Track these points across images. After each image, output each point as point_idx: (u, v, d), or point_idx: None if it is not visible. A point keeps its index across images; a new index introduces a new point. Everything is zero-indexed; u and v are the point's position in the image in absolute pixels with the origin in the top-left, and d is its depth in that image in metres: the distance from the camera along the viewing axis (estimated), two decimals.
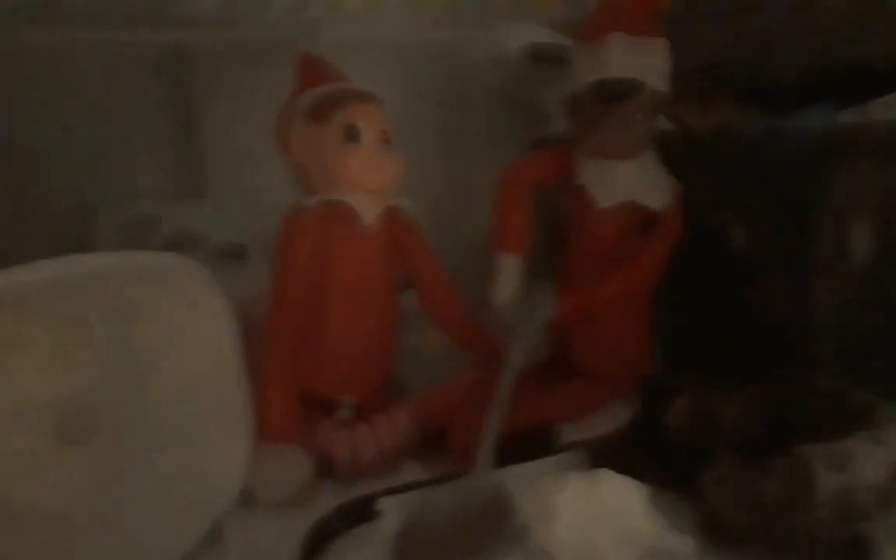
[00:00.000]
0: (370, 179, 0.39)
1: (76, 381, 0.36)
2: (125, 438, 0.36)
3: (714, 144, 0.47)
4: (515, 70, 0.55)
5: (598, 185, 0.44)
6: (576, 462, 0.37)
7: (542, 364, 0.47)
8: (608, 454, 0.35)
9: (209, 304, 0.36)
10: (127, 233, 0.48)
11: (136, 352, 0.36)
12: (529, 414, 0.42)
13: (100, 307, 0.34)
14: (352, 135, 0.38)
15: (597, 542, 0.28)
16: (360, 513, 0.33)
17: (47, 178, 0.48)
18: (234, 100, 0.52)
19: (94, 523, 0.33)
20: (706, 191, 0.45)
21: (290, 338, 0.38)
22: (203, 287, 0.36)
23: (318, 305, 0.39)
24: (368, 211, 0.39)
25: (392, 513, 0.33)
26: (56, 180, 0.49)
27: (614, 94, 0.42)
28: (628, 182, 0.44)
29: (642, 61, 0.42)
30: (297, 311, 0.38)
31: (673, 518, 0.30)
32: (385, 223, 0.40)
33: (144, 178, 0.51)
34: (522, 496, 0.31)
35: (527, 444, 0.39)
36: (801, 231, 0.41)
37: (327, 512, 0.32)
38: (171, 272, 0.35)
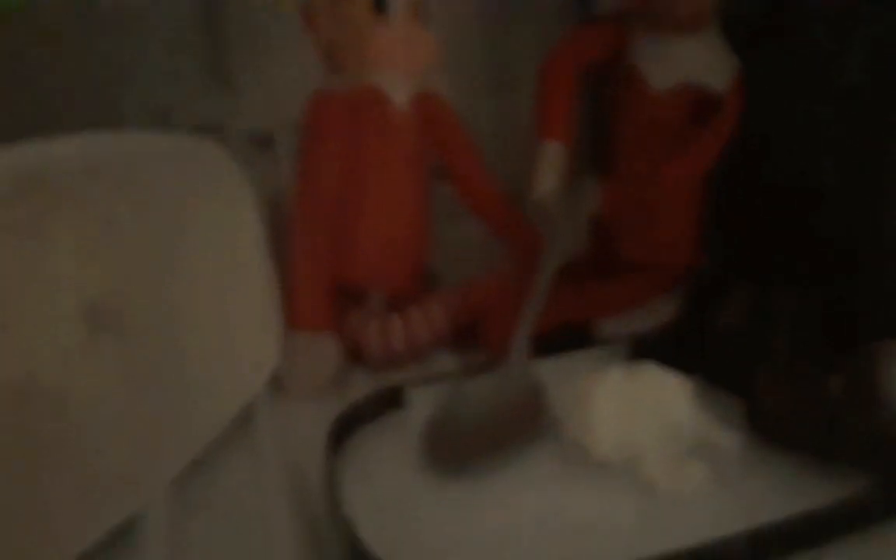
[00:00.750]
0: (400, 56, 0.36)
1: (105, 269, 0.36)
2: (154, 325, 0.35)
3: (790, 14, 0.42)
4: None
5: (652, 64, 0.40)
6: (617, 356, 0.35)
7: (584, 258, 0.45)
8: (652, 348, 0.33)
9: (235, 189, 0.35)
10: (152, 123, 0.47)
11: (163, 238, 0.35)
12: (569, 309, 0.40)
13: (128, 194, 0.33)
14: (381, 6, 0.35)
15: (636, 436, 0.27)
16: (388, 401, 0.32)
17: (73, 70, 0.47)
18: None
19: (125, 410, 0.33)
20: (775, 70, 0.41)
21: (319, 225, 0.36)
22: (229, 171, 0.34)
23: (347, 192, 0.37)
24: (400, 93, 0.36)
25: (421, 402, 0.32)
26: (81, 71, 0.47)
27: None
28: (687, 60, 0.40)
29: None
30: (325, 198, 0.36)
31: (720, 415, 0.29)
32: (418, 107, 0.37)
33: (169, 68, 0.49)
34: (558, 388, 0.30)
35: (565, 339, 0.38)
36: (875, 138, 0.37)
37: (356, 399, 0.31)
38: (198, 156, 0.34)
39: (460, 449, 0.28)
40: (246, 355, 0.36)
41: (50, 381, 0.33)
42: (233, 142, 0.45)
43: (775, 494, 0.26)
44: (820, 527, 0.25)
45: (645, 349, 0.33)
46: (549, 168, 0.41)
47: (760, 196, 0.41)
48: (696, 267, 0.41)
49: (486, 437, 0.29)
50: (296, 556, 0.25)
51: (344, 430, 0.30)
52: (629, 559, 0.23)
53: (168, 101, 0.47)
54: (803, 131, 0.39)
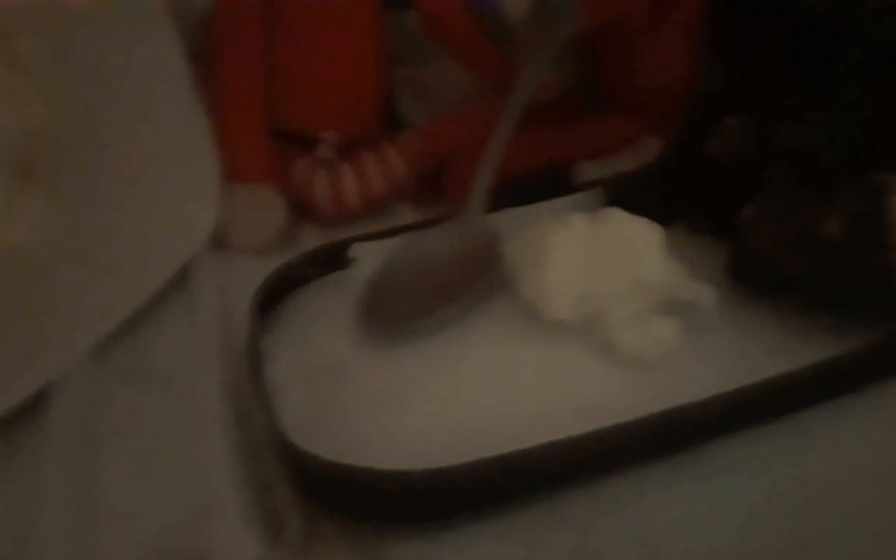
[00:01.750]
0: None
1: (23, 114, 0.32)
2: (85, 174, 0.32)
3: None
4: None
5: None
6: (595, 203, 0.31)
7: (567, 94, 0.40)
8: (631, 190, 0.29)
9: (161, 28, 0.31)
10: None
11: (86, 86, 0.31)
12: (547, 150, 0.35)
13: (48, 38, 0.29)
14: None
15: (598, 292, 0.23)
16: (329, 259, 0.28)
17: None
18: None
19: (61, 258, 0.31)
20: None
21: (249, 60, 0.31)
22: (154, 8, 0.30)
23: (279, 18, 0.32)
24: None
25: (369, 259, 0.28)
26: None
27: None
28: None
29: None
30: (252, 26, 0.31)
31: (701, 265, 0.25)
32: None
33: None
34: (514, 241, 0.26)
35: (540, 185, 0.34)
36: None
37: (293, 257, 0.28)
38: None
39: (400, 309, 0.25)
40: (182, 210, 0.33)
41: None
42: None
43: (756, 356, 0.23)
44: (807, 389, 0.22)
45: (623, 192, 0.29)
46: None
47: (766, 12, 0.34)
48: (690, 98, 0.36)
49: (430, 295, 0.25)
50: (221, 431, 0.23)
51: (276, 291, 0.27)
52: (587, 429, 0.20)
53: None
54: None
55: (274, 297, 0.27)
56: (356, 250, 0.29)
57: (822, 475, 0.21)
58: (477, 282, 0.26)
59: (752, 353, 0.23)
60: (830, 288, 0.22)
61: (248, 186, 0.32)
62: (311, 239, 0.32)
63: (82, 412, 0.24)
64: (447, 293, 0.25)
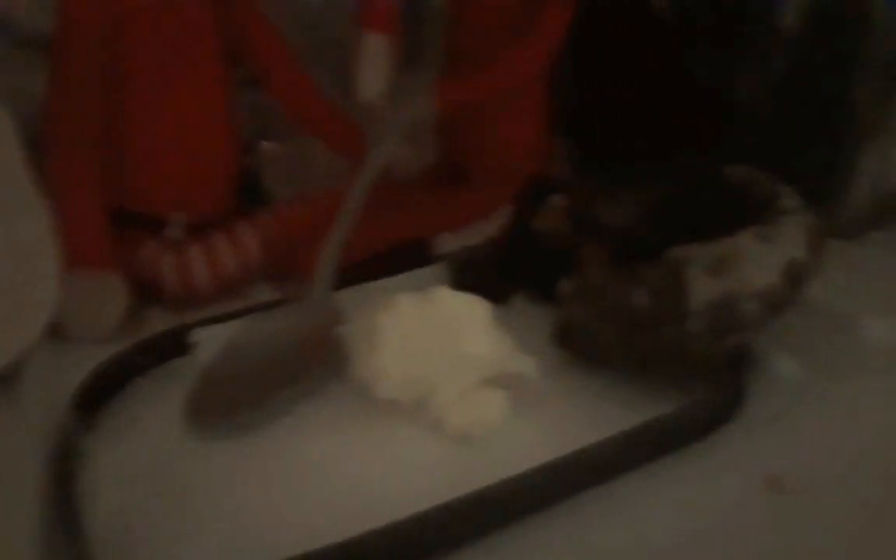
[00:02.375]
0: None
1: None
2: None
3: None
4: None
5: None
6: (440, 277, 0.32)
7: (428, 171, 0.41)
8: (470, 265, 0.30)
9: None
10: None
11: None
12: (407, 225, 0.36)
13: None
14: None
15: (427, 370, 0.24)
16: (169, 346, 0.28)
17: None
18: None
19: None
20: None
21: (83, 139, 0.31)
22: None
23: (117, 94, 0.31)
24: None
25: (211, 345, 0.28)
26: None
27: None
28: None
29: None
30: (88, 103, 0.30)
31: (530, 337, 0.26)
32: None
33: None
34: (349, 323, 0.26)
35: (397, 258, 0.34)
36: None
37: (126, 346, 0.27)
38: None
39: (233, 399, 0.24)
40: (16, 297, 0.31)
41: None
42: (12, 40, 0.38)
43: (579, 422, 0.24)
44: (626, 451, 0.23)
45: (463, 266, 0.30)
46: (374, 62, 0.36)
47: (599, 85, 0.37)
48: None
49: (268, 381, 0.25)
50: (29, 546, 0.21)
51: (103, 385, 0.25)
52: (418, 508, 0.20)
53: None
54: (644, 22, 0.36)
55: (102, 391, 0.25)
56: (197, 335, 0.28)
57: (637, 539, 0.21)
58: (316, 364, 0.26)
59: (577, 422, 0.24)
60: (639, 356, 0.24)
61: (87, 272, 0.31)
62: (161, 323, 0.31)
63: None
64: (285, 378, 0.25)
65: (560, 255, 0.27)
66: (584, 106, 0.40)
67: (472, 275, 0.28)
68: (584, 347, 0.25)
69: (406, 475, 0.22)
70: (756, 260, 0.24)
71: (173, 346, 0.28)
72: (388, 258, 0.34)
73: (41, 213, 0.31)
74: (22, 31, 0.39)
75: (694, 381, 0.24)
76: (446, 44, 0.39)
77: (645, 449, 0.23)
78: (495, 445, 0.23)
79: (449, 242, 0.36)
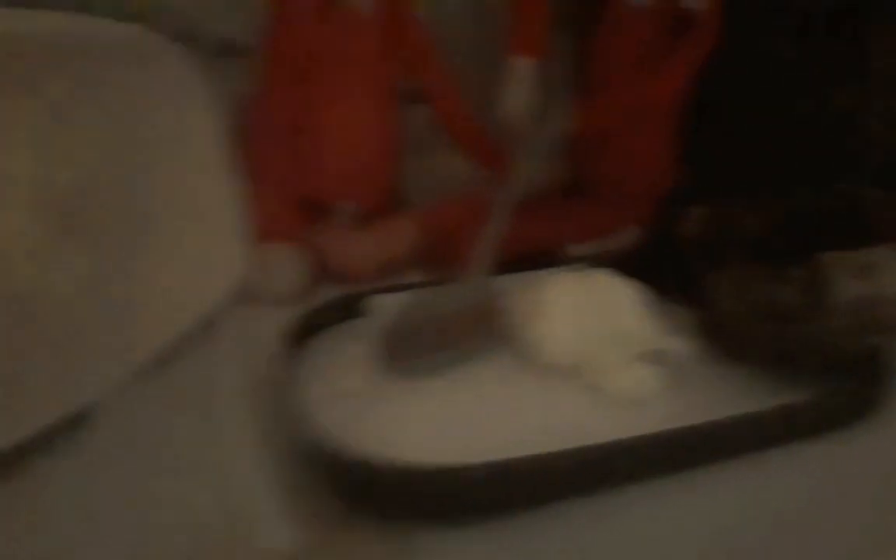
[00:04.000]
0: None
1: (63, 168, 0.36)
2: (122, 226, 0.35)
3: None
4: None
5: None
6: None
7: (559, 184, 0.45)
8: (614, 264, 0.33)
9: (195, 91, 0.34)
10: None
11: (123, 138, 0.35)
12: (541, 234, 0.40)
13: (88, 90, 0.33)
14: None
15: (588, 339, 0.27)
16: (347, 308, 0.32)
17: None
18: None
19: (93, 306, 0.33)
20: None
21: (282, 134, 0.36)
22: (187, 71, 0.34)
23: (310, 101, 0.36)
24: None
25: (381, 311, 0.32)
26: None
27: None
28: None
29: None
30: (288, 106, 0.36)
31: (675, 325, 0.29)
32: (384, 13, 0.36)
33: None
34: (512, 296, 0.30)
35: (532, 259, 0.38)
36: (856, 39, 0.36)
37: (315, 304, 0.31)
38: (156, 54, 0.33)
39: (414, 349, 0.28)
40: (210, 261, 0.36)
41: (21, 274, 0.33)
42: (203, 47, 0.44)
43: (724, 401, 0.26)
44: (764, 430, 0.25)
45: (607, 265, 0.33)
46: (519, 85, 0.40)
47: (729, 115, 0.40)
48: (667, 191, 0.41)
49: (440, 340, 0.29)
50: (252, 446, 0.25)
51: (301, 332, 0.30)
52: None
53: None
54: (772, 58, 0.38)
55: (297, 338, 0.30)
56: (369, 302, 0.32)
57: (766, 511, 0.24)
58: (479, 332, 0.29)
59: (720, 401, 0.26)
60: (783, 349, 0.26)
61: (274, 245, 0.36)
62: (329, 296, 0.36)
63: (124, 431, 0.26)
64: (454, 341, 0.29)
65: (702, 259, 0.30)
66: (711, 136, 0.43)
67: (614, 269, 0.31)
68: (729, 340, 0.27)
69: (565, 426, 0.25)
70: (893, 270, 0.26)
71: (352, 308, 0.32)
72: (523, 259, 0.38)
73: (233, 186, 0.37)
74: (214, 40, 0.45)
75: (833, 376, 0.26)
76: (586, 69, 0.43)
77: (781, 429, 0.25)
78: (647, 412, 0.26)
79: (579, 250, 0.40)
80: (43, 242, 0.36)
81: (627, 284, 0.28)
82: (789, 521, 0.23)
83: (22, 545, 0.22)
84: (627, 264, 0.33)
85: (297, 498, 0.23)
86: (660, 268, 0.31)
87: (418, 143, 0.46)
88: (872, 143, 0.36)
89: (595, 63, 0.42)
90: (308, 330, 0.30)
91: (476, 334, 0.29)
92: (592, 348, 0.27)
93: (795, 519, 0.23)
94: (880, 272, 0.26)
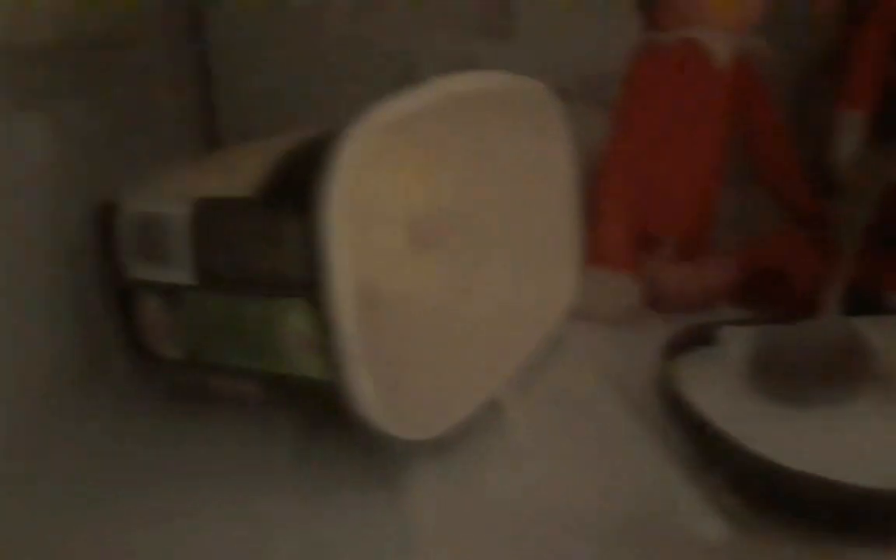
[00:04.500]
0: (726, 14, 0.37)
1: (434, 194, 0.41)
2: (472, 245, 0.40)
3: None
4: None
5: None
6: None
7: (873, 226, 0.45)
8: None
9: (556, 130, 0.38)
10: (447, 72, 0.52)
11: (485, 169, 0.40)
12: (859, 275, 0.40)
13: (459, 130, 0.38)
14: None
15: None
16: (704, 335, 0.35)
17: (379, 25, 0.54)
18: None
19: (449, 314, 0.39)
20: None
21: (631, 169, 0.40)
22: (552, 113, 0.38)
23: (657, 142, 0.40)
24: (722, 50, 0.38)
25: (733, 342, 0.34)
26: (384, 26, 0.55)
27: None
28: None
29: None
30: (639, 144, 0.39)
31: None
32: (736, 65, 0.39)
33: (459, 18, 0.55)
34: (881, 342, 0.31)
35: (858, 302, 0.38)
36: None
37: (680, 327, 0.34)
38: (524, 96, 0.38)
39: (792, 383, 0.30)
40: (551, 283, 0.40)
41: (385, 286, 0.39)
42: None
43: None
44: None
45: None
46: (850, 135, 0.41)
47: None
48: None
49: (813, 377, 0.31)
50: (648, 443, 0.29)
51: (670, 350, 0.33)
52: None
53: (463, 51, 0.52)
54: None
55: (667, 357, 0.33)
56: (723, 332, 0.35)
57: None
58: (848, 373, 0.31)
59: None
60: None
61: (610, 271, 0.39)
62: (654, 325, 0.39)
63: (525, 431, 0.31)
64: (825, 378, 0.31)
65: None
66: None
67: None
68: None
69: None
70: None
71: (707, 336, 0.35)
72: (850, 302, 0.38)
73: (577, 218, 0.41)
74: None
75: None
76: None
77: None
78: None
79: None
80: (398, 255, 0.42)
81: None
82: None
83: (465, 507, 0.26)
84: None
85: (713, 497, 0.25)
86: None
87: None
88: None
89: None
90: (672, 350, 0.33)
91: (845, 375, 0.31)
92: None
93: None
94: None
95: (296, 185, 0.25)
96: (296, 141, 0.29)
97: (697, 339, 0.35)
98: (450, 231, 0.41)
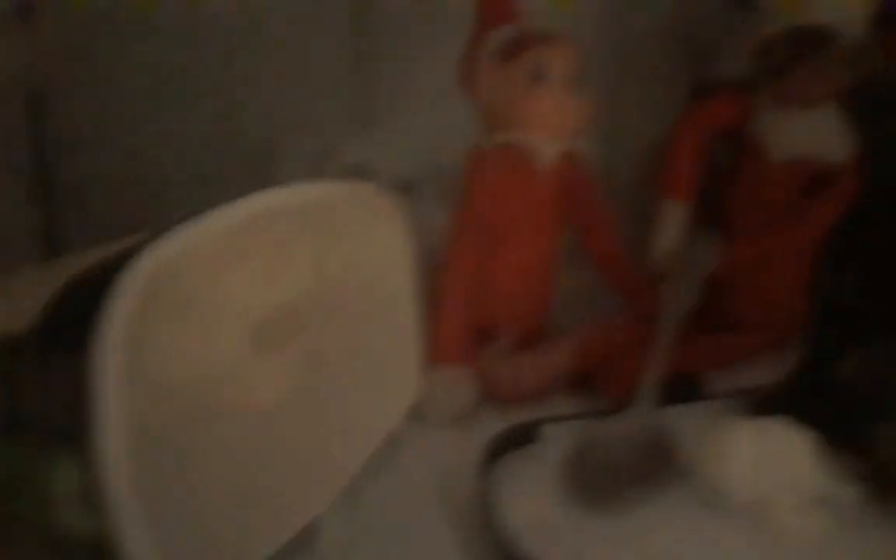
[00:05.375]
0: (554, 120, 0.39)
1: (277, 296, 0.41)
2: (314, 348, 0.40)
3: None
4: (686, 8, 0.54)
5: (774, 136, 0.43)
6: (733, 409, 0.37)
7: (697, 313, 0.47)
8: (771, 404, 0.35)
9: (395, 231, 0.39)
10: (308, 164, 0.52)
11: (330, 271, 0.40)
12: (682, 361, 0.43)
13: (305, 235, 0.38)
14: (539, 74, 0.39)
15: (765, 487, 0.29)
16: (526, 435, 0.35)
17: (241, 117, 0.54)
18: (408, 36, 0.54)
19: (288, 423, 0.38)
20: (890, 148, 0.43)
21: (469, 268, 0.41)
22: (391, 214, 0.38)
23: (493, 241, 0.41)
24: (548, 153, 0.40)
25: (554, 439, 0.35)
26: (247, 119, 0.54)
27: (810, 41, 0.40)
28: (807, 133, 0.42)
29: (842, 8, 0.40)
30: (475, 244, 0.41)
31: (838, 469, 0.31)
32: (563, 166, 0.41)
33: (323, 112, 0.55)
34: (689, 436, 0.33)
35: (679, 390, 0.40)
36: None
37: (501, 429, 0.35)
38: (366, 199, 0.38)
39: (603, 483, 0.31)
40: (392, 384, 0.40)
41: (220, 389, 0.38)
42: (379, 185, 0.50)
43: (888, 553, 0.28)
44: None
45: (763, 405, 0.36)
46: (672, 225, 0.44)
47: (876, 256, 0.42)
48: (808, 327, 0.43)
49: (624, 474, 0.32)
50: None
51: (490, 456, 0.33)
52: None
53: (324, 145, 0.53)
54: None
55: (486, 462, 0.33)
56: (542, 430, 0.36)
57: None
58: (658, 469, 0.32)
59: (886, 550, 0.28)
60: None
61: (449, 367, 0.40)
62: (490, 418, 0.39)
63: (344, 540, 0.30)
64: (635, 475, 0.32)
65: (864, 404, 0.32)
66: (845, 279, 0.45)
67: (772, 412, 0.34)
68: None
69: None
70: None
71: (529, 435, 0.36)
72: (669, 389, 0.40)
73: (417, 315, 0.41)
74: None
75: None
76: (729, 211, 0.46)
77: None
78: (821, 555, 0.28)
79: (718, 381, 0.42)
80: (239, 361, 0.41)
81: (798, 432, 0.30)
82: None
83: None
84: (782, 406, 0.35)
85: None
86: (819, 412, 0.34)
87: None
88: None
89: (738, 209, 0.46)
90: (493, 455, 0.34)
91: (654, 471, 0.32)
92: (772, 491, 0.29)
93: None
94: None
95: (71, 322, 0.24)
96: (89, 264, 0.28)
97: (519, 440, 0.35)
98: (291, 334, 0.40)
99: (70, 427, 0.23)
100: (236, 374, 0.38)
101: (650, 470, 0.32)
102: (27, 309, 0.26)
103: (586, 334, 0.43)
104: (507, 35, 0.40)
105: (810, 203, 0.43)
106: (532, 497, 0.32)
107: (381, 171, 0.51)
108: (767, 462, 0.30)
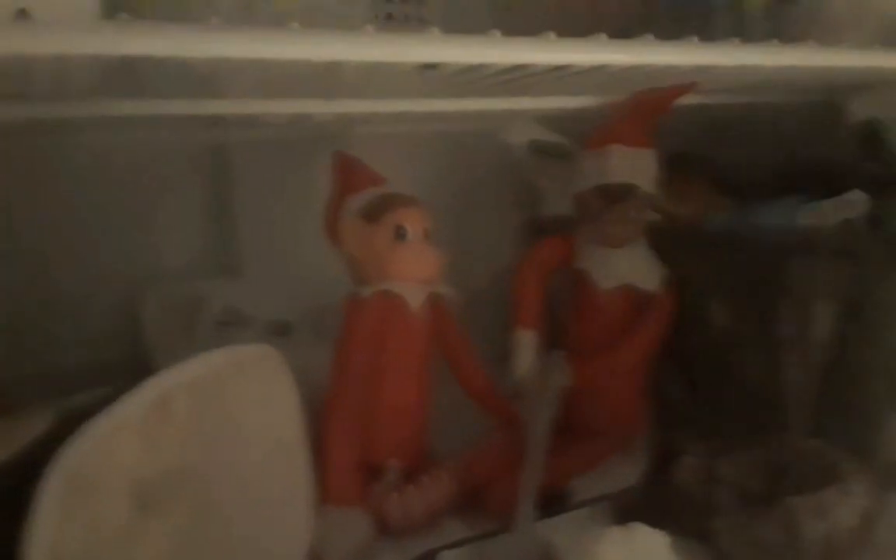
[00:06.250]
0: (417, 272, 0.45)
1: (159, 457, 0.40)
2: (201, 506, 0.39)
3: (692, 233, 0.55)
4: (517, 159, 0.63)
5: (598, 270, 0.51)
6: (600, 513, 0.43)
7: (559, 429, 0.53)
8: (629, 507, 0.41)
9: (280, 383, 0.41)
10: (173, 312, 0.52)
11: (212, 428, 0.40)
12: (547, 472, 0.48)
13: (192, 395, 0.38)
14: (401, 234, 0.44)
15: None
16: None
17: (98, 265, 0.53)
18: (267, 180, 0.57)
19: None
20: (689, 274, 0.53)
21: (352, 411, 0.43)
22: (274, 366, 0.40)
23: (372, 382, 0.44)
24: (416, 299, 0.45)
25: None
26: (105, 265, 0.53)
27: (614, 195, 0.49)
28: (624, 267, 0.51)
29: (637, 168, 0.49)
30: (357, 387, 0.43)
31: None
32: (429, 308, 0.46)
33: (184, 258, 0.56)
34: (567, 547, 0.37)
35: (549, 498, 0.45)
36: (770, 313, 0.49)
37: None
38: (248, 356, 0.40)
39: None
40: (286, 531, 0.41)
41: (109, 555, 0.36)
42: (255, 330, 0.51)
43: None
44: None
45: (624, 509, 0.42)
46: (526, 351, 0.50)
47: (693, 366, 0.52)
48: (649, 433, 0.50)
49: None
50: None
51: None
52: None
53: (190, 292, 0.52)
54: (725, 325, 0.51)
55: None
56: (443, 557, 0.38)
57: None
58: None
59: None
60: None
61: (341, 509, 0.41)
62: (385, 553, 0.41)
63: None
64: None
65: (699, 505, 0.39)
66: (674, 386, 0.54)
67: (632, 515, 0.40)
68: None
69: None
70: (843, 506, 0.36)
71: None
72: (541, 500, 0.45)
73: (307, 462, 0.42)
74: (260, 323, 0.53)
75: None
76: (572, 334, 0.53)
77: None
78: None
79: (578, 485, 0.48)
80: (121, 525, 0.40)
81: (657, 534, 0.36)
82: None
83: None
84: (638, 509, 0.41)
85: None
86: (664, 512, 0.40)
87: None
88: (790, 398, 0.47)
89: (578, 332, 0.53)
90: None
91: None
92: None
93: None
94: (835, 511, 0.36)
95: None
96: None
97: None
98: (177, 494, 0.39)
99: None
100: (123, 538, 0.37)
101: None
102: None
103: (466, 458, 0.47)
104: (368, 198, 0.45)
105: (634, 325, 0.51)
106: None
107: (255, 317, 0.52)
108: None
